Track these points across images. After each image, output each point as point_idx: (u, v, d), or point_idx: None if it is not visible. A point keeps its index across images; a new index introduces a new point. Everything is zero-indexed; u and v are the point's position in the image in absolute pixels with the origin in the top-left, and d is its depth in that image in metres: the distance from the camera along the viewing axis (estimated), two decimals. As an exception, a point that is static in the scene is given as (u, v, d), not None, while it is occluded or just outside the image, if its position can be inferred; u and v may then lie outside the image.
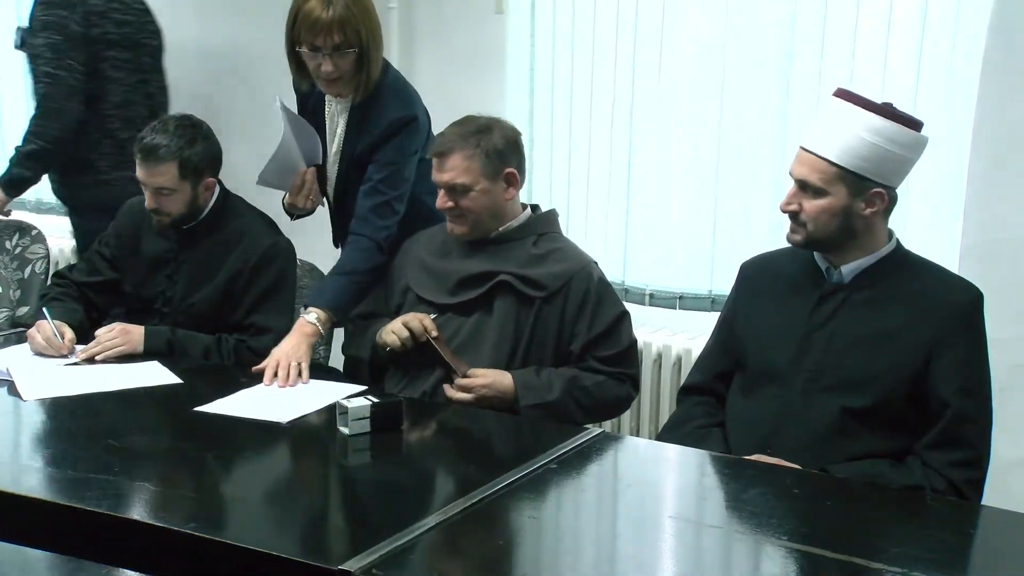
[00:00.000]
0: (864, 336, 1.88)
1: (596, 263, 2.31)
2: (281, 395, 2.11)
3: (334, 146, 2.53)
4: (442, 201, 2.22)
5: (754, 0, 2.85)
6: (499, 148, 2.19)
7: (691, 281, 3.04)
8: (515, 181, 2.24)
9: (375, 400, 1.90)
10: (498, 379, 2.15)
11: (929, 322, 1.85)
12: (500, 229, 2.25)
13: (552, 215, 2.36)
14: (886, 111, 1.86)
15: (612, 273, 3.13)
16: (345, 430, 1.87)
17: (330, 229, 2.71)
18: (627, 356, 2.26)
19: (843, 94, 1.90)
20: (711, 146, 2.95)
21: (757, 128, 2.90)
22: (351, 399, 1.90)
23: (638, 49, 3.01)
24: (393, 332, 2.20)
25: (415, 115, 2.44)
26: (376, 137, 2.41)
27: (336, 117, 2.51)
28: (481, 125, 2.22)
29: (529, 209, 2.32)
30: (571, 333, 2.21)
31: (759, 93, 2.88)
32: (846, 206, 1.87)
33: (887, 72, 2.76)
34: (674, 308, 3.08)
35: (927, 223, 2.78)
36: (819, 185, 1.87)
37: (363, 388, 2.09)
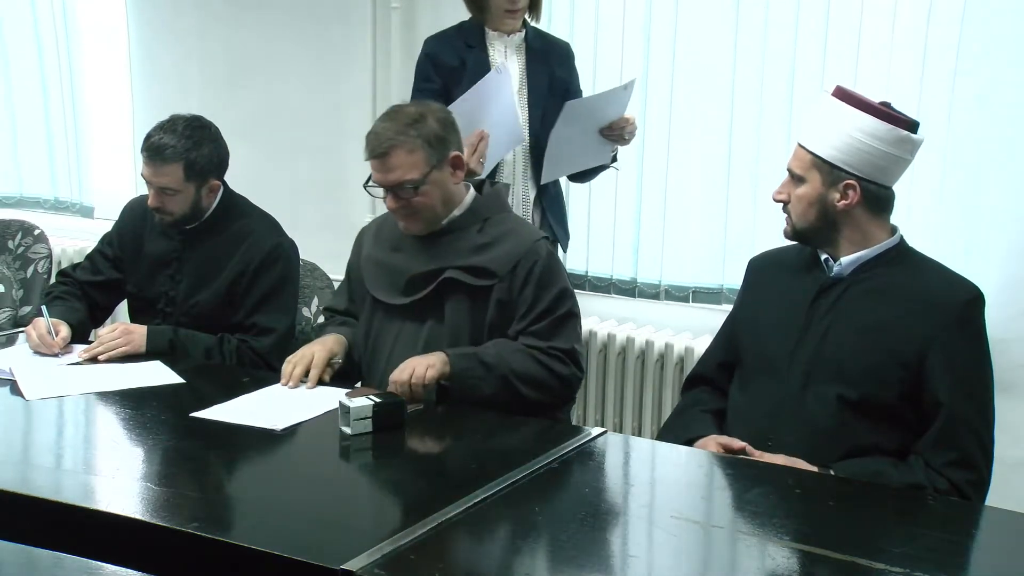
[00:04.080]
0: (860, 328, 1.89)
1: (546, 238, 2.23)
2: (278, 401, 2.07)
3: (514, 84, 2.63)
4: (391, 203, 2.13)
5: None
6: (439, 134, 2.11)
7: (703, 276, 3.07)
8: (460, 164, 2.16)
9: (377, 399, 1.90)
10: (417, 358, 2.07)
11: (924, 318, 1.86)
12: (445, 221, 2.16)
13: (497, 192, 2.27)
14: (876, 109, 1.87)
15: (624, 270, 3.17)
16: (347, 429, 1.87)
17: (331, 229, 2.72)
18: (561, 329, 2.14)
19: (838, 92, 1.93)
20: (721, 142, 2.98)
21: (765, 123, 2.93)
22: (353, 398, 1.90)
23: (646, 46, 3.02)
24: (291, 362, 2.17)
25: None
26: (569, 65, 2.77)
27: (506, 59, 2.67)
28: (413, 115, 2.11)
29: (472, 190, 2.23)
30: (513, 315, 2.13)
31: (767, 89, 2.91)
32: (820, 195, 1.91)
33: (891, 71, 2.77)
34: (687, 302, 3.11)
35: (932, 220, 2.79)
36: (799, 173, 1.93)
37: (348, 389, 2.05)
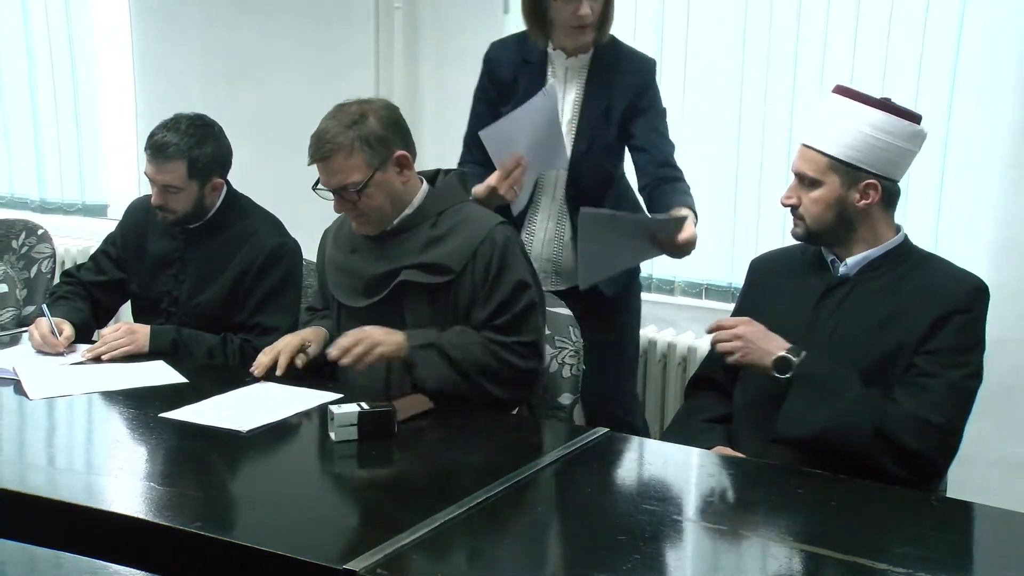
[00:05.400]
0: (867, 326, 1.89)
1: (504, 223, 2.17)
2: (248, 402, 2.05)
3: (566, 114, 2.44)
4: (339, 205, 2.11)
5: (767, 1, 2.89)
6: (380, 134, 2.06)
7: (714, 273, 3.10)
8: (407, 163, 2.11)
9: (365, 407, 1.86)
10: (374, 333, 2.04)
11: (930, 307, 1.86)
12: (396, 221, 2.13)
13: (451, 182, 2.19)
14: (882, 104, 1.87)
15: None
16: (332, 436, 1.85)
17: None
18: (522, 322, 2.09)
19: (841, 90, 1.93)
20: (730, 141, 2.99)
21: (771, 123, 2.94)
22: (341, 404, 1.87)
23: (653, 49, 3.02)
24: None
25: (654, 60, 2.49)
26: (642, 82, 2.43)
27: (565, 82, 2.44)
28: (353, 115, 2.06)
29: (425, 184, 2.18)
30: (473, 307, 2.09)
31: (772, 89, 2.92)
32: (840, 196, 1.89)
33: (922, 71, 2.76)
34: (700, 298, 3.14)
35: (951, 220, 2.79)
36: (813, 176, 1.90)
37: (339, 396, 2.03)
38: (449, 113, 3.30)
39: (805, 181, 1.91)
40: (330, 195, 2.12)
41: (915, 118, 1.89)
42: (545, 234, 2.51)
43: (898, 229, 1.96)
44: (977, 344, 1.87)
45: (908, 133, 1.88)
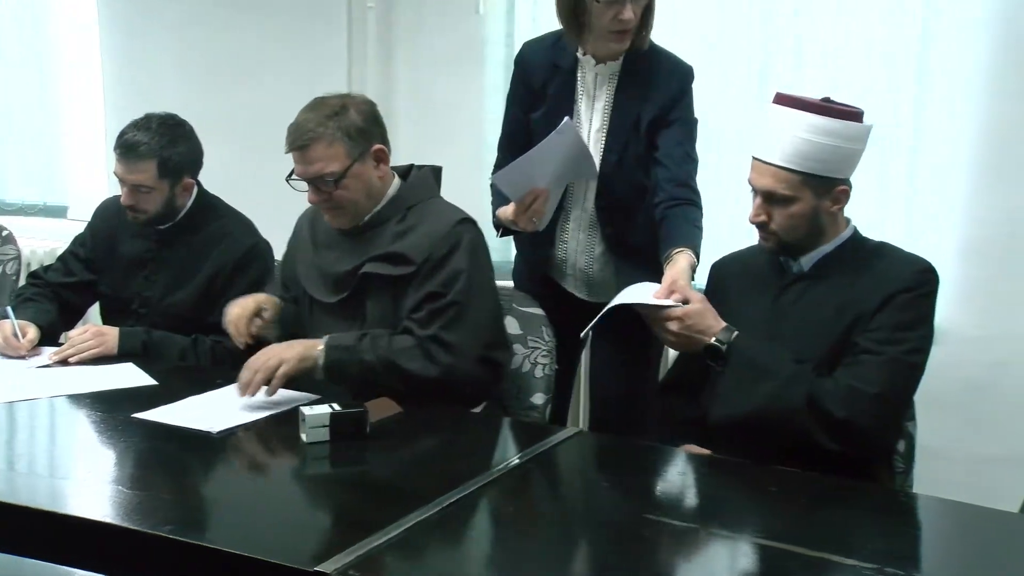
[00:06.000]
0: (825, 318, 1.91)
1: (473, 222, 2.14)
2: (220, 404, 2.02)
3: (595, 122, 2.33)
4: (313, 196, 2.10)
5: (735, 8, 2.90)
6: (360, 126, 2.07)
7: None
8: (384, 157, 2.12)
9: (337, 408, 1.85)
10: (277, 350, 2.02)
11: (881, 289, 1.88)
12: (368, 216, 2.13)
13: (423, 177, 2.20)
14: (827, 108, 1.88)
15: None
16: (304, 437, 1.84)
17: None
18: (443, 318, 2.04)
19: (782, 99, 1.92)
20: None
21: (728, 131, 2.93)
22: (313, 405, 1.86)
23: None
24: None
25: (691, 67, 2.34)
26: (672, 93, 2.28)
27: (594, 90, 2.32)
28: (334, 106, 2.07)
29: (398, 179, 2.18)
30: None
31: (731, 97, 2.92)
32: (814, 207, 1.91)
33: (891, 72, 2.77)
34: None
35: (921, 220, 2.81)
36: (787, 194, 1.90)
37: (313, 397, 2.02)
38: (424, 113, 3.30)
39: (775, 199, 1.90)
40: (303, 186, 2.11)
41: (858, 116, 1.91)
42: (577, 244, 2.42)
43: (847, 222, 1.98)
44: (921, 321, 1.88)
45: (863, 133, 1.91)
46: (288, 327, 2.26)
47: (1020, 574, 1.50)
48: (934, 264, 1.93)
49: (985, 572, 1.49)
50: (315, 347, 2.05)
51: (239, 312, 2.17)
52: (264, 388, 2.00)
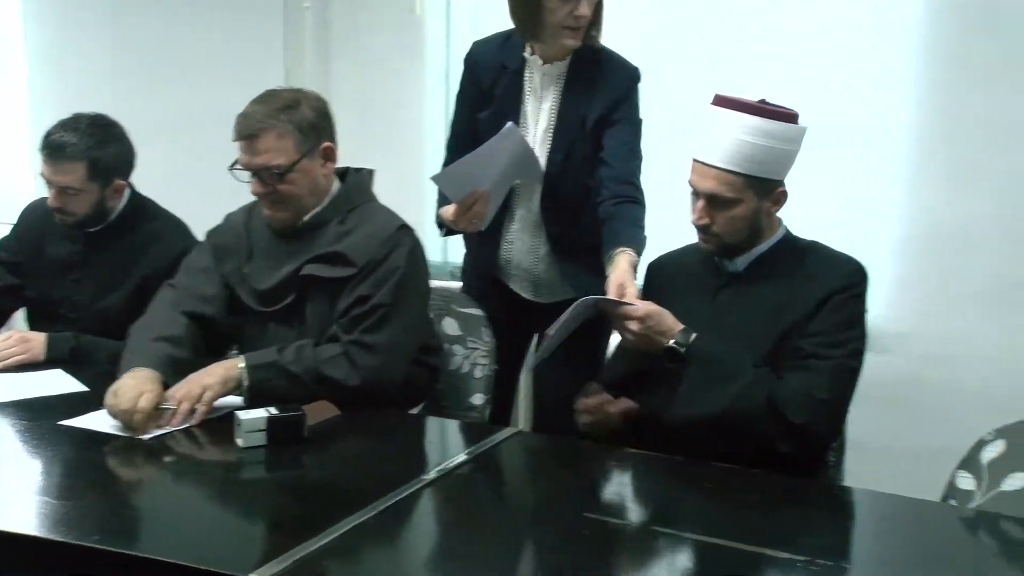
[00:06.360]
0: (762, 318, 1.94)
1: (411, 230, 2.13)
2: None
3: (541, 123, 2.33)
4: (257, 187, 2.05)
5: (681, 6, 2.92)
6: (312, 121, 2.04)
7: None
8: (332, 155, 2.10)
9: (274, 412, 1.82)
10: (198, 377, 1.94)
11: (814, 291, 1.92)
12: (308, 216, 2.10)
13: (362, 179, 2.19)
14: (763, 110, 1.91)
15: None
16: (240, 441, 1.81)
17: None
18: (370, 321, 2.02)
19: (722, 101, 1.94)
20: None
21: (674, 132, 2.95)
22: (248, 410, 1.83)
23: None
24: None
25: (638, 69, 2.34)
26: (618, 93, 2.29)
27: (541, 90, 2.33)
28: (287, 100, 2.04)
29: (338, 180, 2.16)
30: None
31: (677, 98, 2.93)
32: (755, 209, 1.94)
33: (821, 72, 2.81)
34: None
35: (856, 218, 2.85)
36: (730, 196, 1.92)
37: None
38: (362, 115, 3.27)
39: (718, 201, 1.92)
40: (245, 176, 2.07)
41: (794, 117, 1.94)
42: (522, 245, 2.41)
43: (780, 222, 2.02)
44: (857, 320, 1.93)
45: (799, 134, 1.94)
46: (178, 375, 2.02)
47: (942, 559, 1.54)
48: (868, 261, 1.98)
49: (909, 558, 1.52)
50: (235, 366, 1.98)
51: (140, 418, 1.88)
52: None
